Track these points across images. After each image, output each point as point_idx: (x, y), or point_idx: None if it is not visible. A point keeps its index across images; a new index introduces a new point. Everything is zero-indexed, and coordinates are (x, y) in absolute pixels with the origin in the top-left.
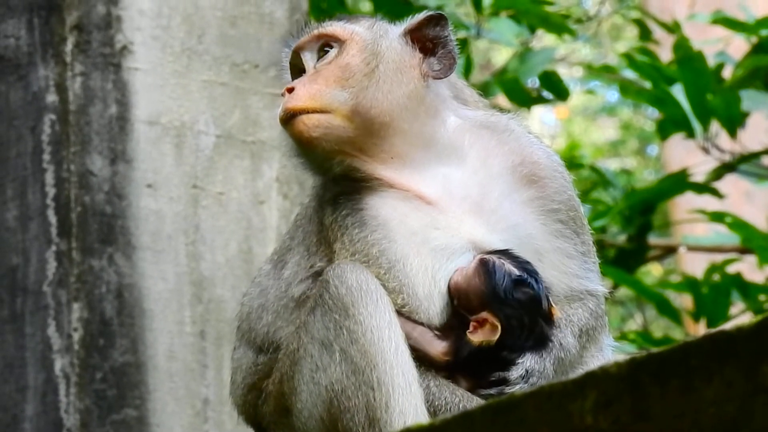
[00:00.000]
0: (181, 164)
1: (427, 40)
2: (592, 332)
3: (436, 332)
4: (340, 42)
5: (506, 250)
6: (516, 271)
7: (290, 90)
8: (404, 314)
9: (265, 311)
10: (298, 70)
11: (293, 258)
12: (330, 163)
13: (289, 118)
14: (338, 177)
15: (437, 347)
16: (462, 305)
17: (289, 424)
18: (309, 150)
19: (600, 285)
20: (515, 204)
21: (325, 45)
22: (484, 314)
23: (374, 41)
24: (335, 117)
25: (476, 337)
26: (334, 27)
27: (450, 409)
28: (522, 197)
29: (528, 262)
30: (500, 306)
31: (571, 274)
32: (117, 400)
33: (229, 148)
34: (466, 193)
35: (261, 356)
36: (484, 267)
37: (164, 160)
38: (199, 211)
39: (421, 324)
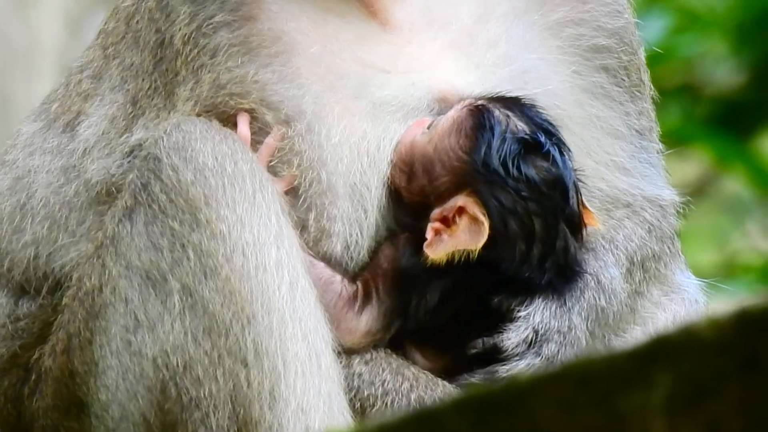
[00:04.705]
0: None
1: None
2: (653, 263)
3: (351, 281)
4: None
5: (516, 97)
6: (527, 129)
7: None
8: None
9: (30, 216)
10: None
11: (99, 111)
12: None
13: None
14: None
15: (351, 316)
16: (417, 189)
17: None
18: None
19: (666, 187)
20: (531, 32)
21: None
22: (460, 199)
23: None
24: None
25: (438, 249)
26: None
27: (393, 403)
28: (544, 21)
29: (550, 122)
30: (490, 185)
31: (615, 166)
32: None
33: None
34: (452, 14)
35: (24, 303)
36: (471, 116)
37: None
38: None
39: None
